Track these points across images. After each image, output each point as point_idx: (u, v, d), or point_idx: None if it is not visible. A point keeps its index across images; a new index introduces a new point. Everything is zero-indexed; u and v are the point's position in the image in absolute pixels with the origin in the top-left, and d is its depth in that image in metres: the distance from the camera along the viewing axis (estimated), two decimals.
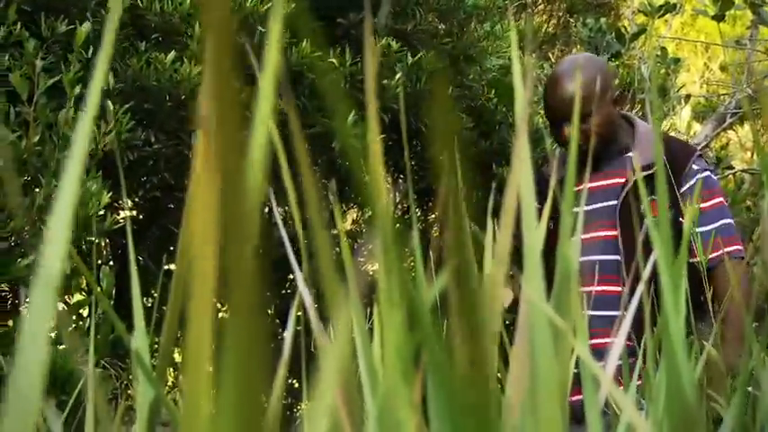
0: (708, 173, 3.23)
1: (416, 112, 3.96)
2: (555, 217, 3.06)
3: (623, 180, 3.23)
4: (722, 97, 5.67)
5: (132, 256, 0.91)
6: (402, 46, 3.70)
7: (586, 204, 3.26)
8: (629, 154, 3.26)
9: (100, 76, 0.50)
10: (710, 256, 3.11)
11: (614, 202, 3.20)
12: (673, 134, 4.85)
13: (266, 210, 4.16)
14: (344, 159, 4.20)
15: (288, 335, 0.85)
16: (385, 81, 3.64)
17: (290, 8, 3.40)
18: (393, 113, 3.72)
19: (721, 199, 3.23)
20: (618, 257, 3.10)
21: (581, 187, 3.23)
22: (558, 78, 3.24)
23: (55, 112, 2.98)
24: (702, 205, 3.18)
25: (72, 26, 3.11)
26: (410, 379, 0.58)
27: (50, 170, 2.85)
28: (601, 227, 3.22)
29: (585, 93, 3.17)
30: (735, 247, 3.15)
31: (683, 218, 3.07)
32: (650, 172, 3.06)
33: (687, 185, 3.20)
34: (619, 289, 3.09)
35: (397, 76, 3.64)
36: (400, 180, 4.77)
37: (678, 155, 3.23)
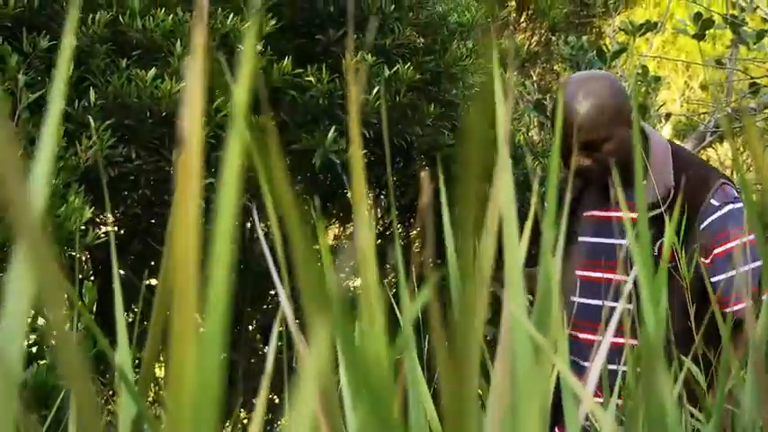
0: (727, 208, 2.88)
1: (397, 126, 3.97)
2: (569, 239, 2.95)
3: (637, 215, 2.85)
4: (702, 116, 5.70)
5: (115, 271, 0.91)
6: (378, 60, 3.70)
7: (593, 236, 3.05)
8: (645, 182, 2.90)
9: (57, 95, 0.50)
10: (736, 308, 2.69)
11: (620, 241, 2.90)
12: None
13: (248, 225, 4.16)
14: (326, 175, 4.20)
15: (270, 350, 0.85)
16: (362, 96, 3.64)
17: (271, 26, 3.41)
18: (374, 129, 3.73)
19: (736, 243, 2.82)
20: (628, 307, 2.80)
21: (590, 213, 3.12)
22: (566, 102, 2.93)
23: (37, 128, 2.98)
24: (721, 249, 2.84)
25: (54, 42, 3.11)
26: (391, 392, 0.58)
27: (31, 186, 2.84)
28: (608, 268, 2.94)
29: (597, 117, 2.89)
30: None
31: (704, 258, 2.85)
32: (656, 212, 2.78)
33: (703, 225, 2.87)
34: (622, 341, 2.57)
35: (375, 90, 3.63)
36: (382, 195, 4.77)
37: (695, 186, 2.89)
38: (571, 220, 2.98)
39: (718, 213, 2.88)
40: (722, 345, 1.04)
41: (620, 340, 2.58)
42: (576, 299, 3.03)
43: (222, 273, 0.43)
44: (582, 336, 3.00)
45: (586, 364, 2.94)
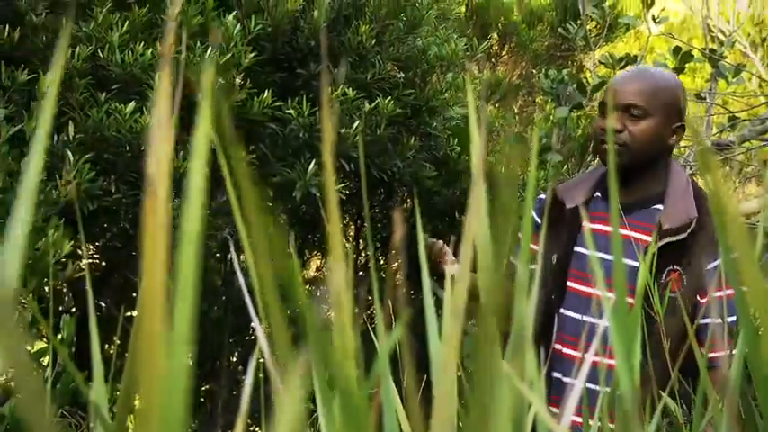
0: None
1: (378, 159, 3.97)
2: (566, 249, 2.89)
3: (647, 239, 2.83)
4: (682, 149, 5.72)
5: (92, 307, 0.91)
6: (359, 94, 3.71)
7: (596, 250, 2.87)
8: (659, 206, 2.87)
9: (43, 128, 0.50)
10: (715, 354, 2.71)
11: (635, 263, 2.74)
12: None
13: (229, 257, 4.16)
14: (307, 207, 4.21)
15: (246, 385, 0.85)
16: (343, 130, 3.64)
17: (251, 59, 3.41)
18: (355, 162, 3.73)
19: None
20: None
21: (591, 226, 3.01)
22: (634, 69, 2.95)
23: (17, 161, 2.97)
24: (722, 293, 2.64)
25: (33, 75, 3.11)
26: (366, 427, 0.58)
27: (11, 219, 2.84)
28: (608, 286, 2.71)
29: (648, 86, 2.86)
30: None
31: (700, 297, 2.81)
32: (676, 238, 2.78)
33: (714, 264, 2.81)
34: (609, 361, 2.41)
35: (356, 124, 3.64)
36: (364, 228, 4.78)
37: (713, 228, 2.68)
38: (572, 231, 2.88)
39: None
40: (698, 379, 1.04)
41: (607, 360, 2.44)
42: (567, 312, 2.93)
43: (187, 300, 0.43)
44: (566, 351, 2.91)
45: (568, 380, 2.87)
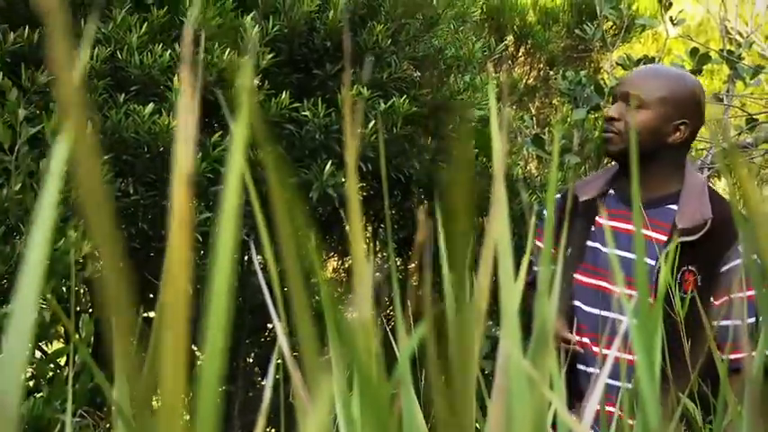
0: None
1: (395, 160, 3.97)
2: (580, 242, 2.85)
3: (664, 238, 2.81)
4: (700, 151, 5.71)
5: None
6: (374, 93, 3.70)
7: (612, 246, 2.76)
8: (673, 206, 2.86)
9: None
10: (737, 356, 2.69)
11: (652, 262, 2.73)
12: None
13: (246, 258, 4.16)
14: (324, 208, 4.21)
15: (267, 385, 0.85)
16: (359, 130, 3.65)
17: (268, 60, 3.42)
18: (372, 162, 3.73)
19: (753, 293, 2.64)
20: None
21: (605, 222, 3.00)
22: (649, 66, 3.00)
23: (36, 161, 2.99)
24: (744, 294, 2.66)
25: (52, 77, 3.12)
26: (388, 429, 0.58)
27: (31, 219, 2.85)
28: (630, 284, 2.68)
29: (652, 78, 2.91)
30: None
31: (714, 299, 2.80)
32: (691, 238, 2.77)
33: (728, 266, 2.81)
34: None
35: (371, 123, 3.64)
36: (381, 228, 4.78)
37: (730, 225, 2.78)
38: (585, 224, 2.87)
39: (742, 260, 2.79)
40: (719, 382, 1.04)
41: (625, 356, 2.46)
42: (579, 304, 2.93)
43: (221, 308, 0.43)
44: (583, 340, 2.89)
45: (590, 369, 2.86)
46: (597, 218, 2.89)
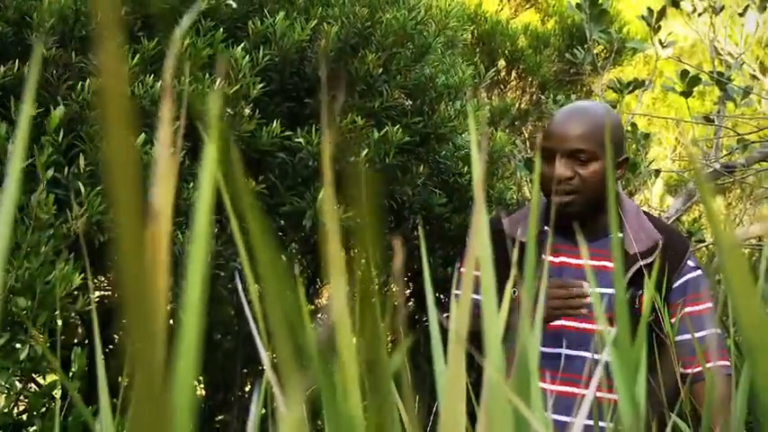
0: (699, 272, 2.91)
1: (388, 187, 3.98)
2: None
3: (611, 266, 2.81)
4: (692, 172, 5.71)
5: (98, 340, 0.91)
6: (368, 123, 3.72)
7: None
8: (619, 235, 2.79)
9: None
10: (696, 369, 2.74)
11: (609, 291, 2.77)
12: (663, 217, 4.67)
13: (241, 287, 4.16)
14: (317, 236, 4.21)
15: (251, 416, 0.85)
16: (352, 158, 3.66)
17: (259, 89, 3.42)
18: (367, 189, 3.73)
19: (711, 304, 2.84)
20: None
21: (557, 259, 3.01)
22: (572, 110, 2.88)
23: (27, 195, 2.99)
24: (691, 309, 2.85)
25: (41, 109, 3.13)
26: None
27: (22, 252, 2.86)
28: (585, 318, 2.82)
29: (593, 130, 2.82)
30: (726, 363, 2.71)
31: (671, 316, 2.84)
32: (649, 260, 2.80)
33: (678, 282, 2.88)
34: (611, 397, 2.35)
35: (364, 152, 3.65)
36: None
37: (677, 247, 2.90)
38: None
39: (693, 274, 2.90)
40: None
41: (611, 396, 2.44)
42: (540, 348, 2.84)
43: (191, 338, 0.43)
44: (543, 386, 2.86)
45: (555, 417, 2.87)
46: (543, 255, 2.90)
